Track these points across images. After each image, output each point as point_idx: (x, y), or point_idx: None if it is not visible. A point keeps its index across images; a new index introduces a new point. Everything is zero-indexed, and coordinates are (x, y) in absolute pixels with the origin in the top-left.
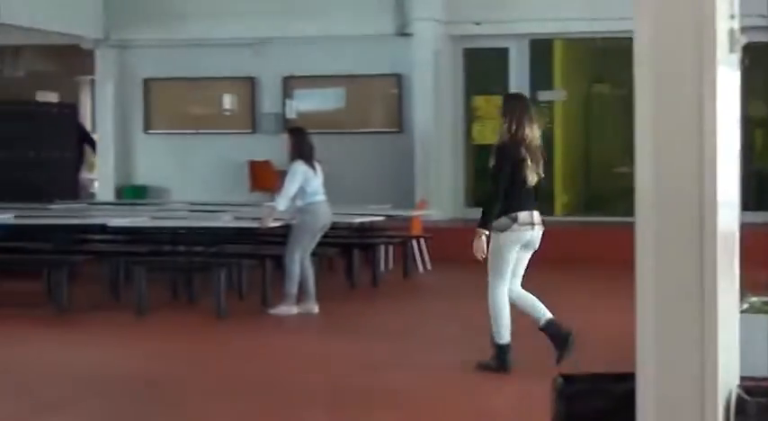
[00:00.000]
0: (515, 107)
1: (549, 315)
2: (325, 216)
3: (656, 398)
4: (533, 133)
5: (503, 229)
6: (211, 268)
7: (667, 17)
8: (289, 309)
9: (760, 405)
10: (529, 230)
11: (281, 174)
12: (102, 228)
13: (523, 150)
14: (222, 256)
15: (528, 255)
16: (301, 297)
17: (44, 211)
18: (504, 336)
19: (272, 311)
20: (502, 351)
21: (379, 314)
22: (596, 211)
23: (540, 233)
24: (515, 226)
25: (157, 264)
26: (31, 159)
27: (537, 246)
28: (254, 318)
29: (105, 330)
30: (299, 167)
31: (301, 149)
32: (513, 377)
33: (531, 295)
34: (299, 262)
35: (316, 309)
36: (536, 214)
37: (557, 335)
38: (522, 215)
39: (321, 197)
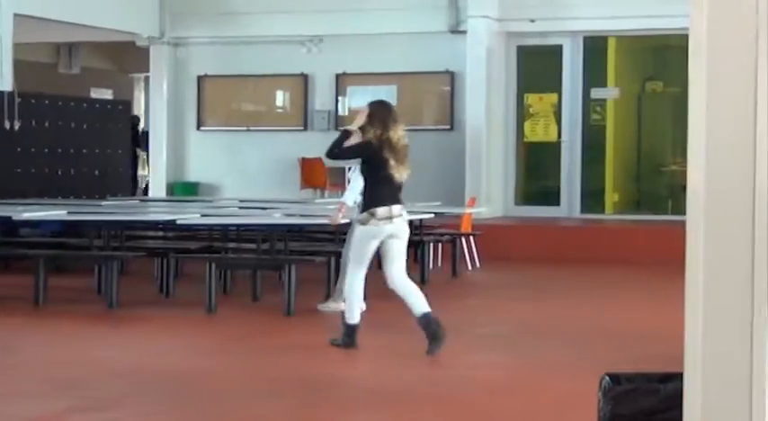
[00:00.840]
0: (380, 112)
1: (425, 309)
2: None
3: (704, 398)
4: (397, 134)
5: (363, 223)
6: (281, 265)
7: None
8: (338, 306)
9: None
10: (388, 224)
11: (332, 172)
12: (154, 225)
13: (386, 151)
14: (290, 254)
15: (400, 243)
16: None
17: (96, 208)
18: (355, 318)
19: (321, 307)
20: (349, 330)
21: None
22: (647, 210)
23: (404, 223)
24: (373, 221)
25: (226, 262)
26: (84, 155)
27: (403, 234)
28: (313, 316)
29: (156, 327)
30: None
31: None
32: (561, 376)
33: (413, 286)
34: None
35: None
36: (396, 208)
37: (429, 329)
38: (381, 211)
39: None
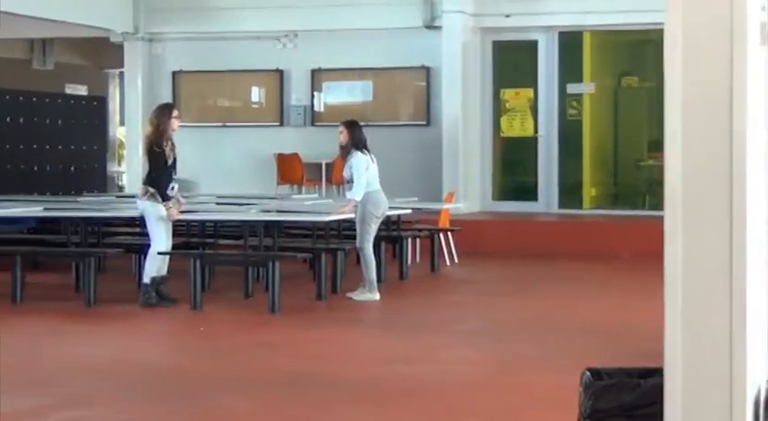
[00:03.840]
0: (163, 112)
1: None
2: (383, 204)
3: (684, 394)
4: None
5: (150, 201)
6: (265, 262)
7: (698, 8)
8: (372, 295)
9: None
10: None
11: (308, 167)
12: (130, 221)
13: (165, 142)
14: (277, 250)
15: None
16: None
17: (73, 204)
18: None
19: (356, 298)
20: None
21: (405, 307)
22: (625, 205)
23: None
24: (159, 199)
25: (210, 258)
26: (59, 151)
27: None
28: (305, 313)
29: (134, 324)
30: (361, 157)
31: (358, 140)
32: (542, 371)
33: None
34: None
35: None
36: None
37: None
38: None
39: (378, 186)
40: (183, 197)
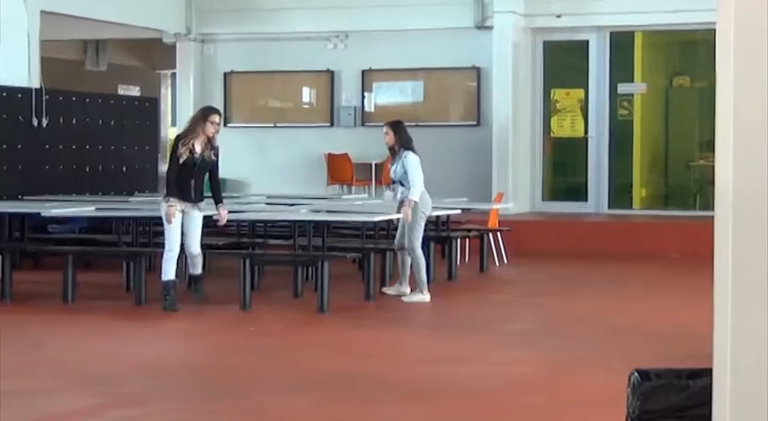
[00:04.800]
0: (200, 115)
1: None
2: (429, 204)
3: (733, 395)
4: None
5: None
6: (315, 261)
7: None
8: (423, 296)
9: None
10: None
11: (358, 167)
12: None
13: (187, 142)
14: (326, 250)
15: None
16: (395, 281)
17: (124, 204)
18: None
19: (406, 299)
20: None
21: (453, 307)
22: (675, 205)
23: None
24: (172, 201)
25: (260, 258)
26: (111, 152)
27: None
28: (353, 312)
29: (184, 323)
30: (415, 157)
31: (406, 140)
32: (590, 372)
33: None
34: (419, 248)
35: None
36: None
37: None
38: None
39: (423, 186)
40: (234, 197)
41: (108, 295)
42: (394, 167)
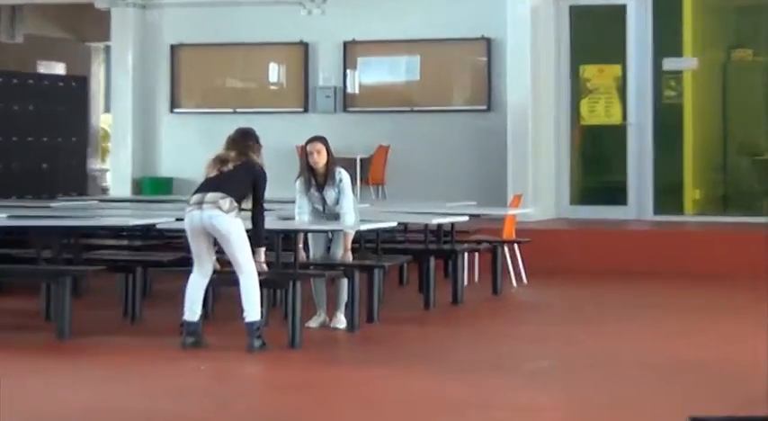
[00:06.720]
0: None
1: (197, 316)
2: None
3: None
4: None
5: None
6: (285, 282)
7: None
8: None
9: None
10: (194, 210)
11: (339, 163)
12: (116, 232)
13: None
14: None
15: (207, 239)
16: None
17: (45, 210)
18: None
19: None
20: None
21: (459, 341)
22: (737, 210)
23: (211, 213)
24: (187, 208)
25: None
26: (30, 145)
27: (211, 227)
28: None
29: (117, 361)
30: (349, 176)
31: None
32: (630, 420)
33: (198, 292)
34: None
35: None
36: (208, 195)
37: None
38: (193, 198)
39: None
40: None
41: (23, 325)
42: (323, 194)
